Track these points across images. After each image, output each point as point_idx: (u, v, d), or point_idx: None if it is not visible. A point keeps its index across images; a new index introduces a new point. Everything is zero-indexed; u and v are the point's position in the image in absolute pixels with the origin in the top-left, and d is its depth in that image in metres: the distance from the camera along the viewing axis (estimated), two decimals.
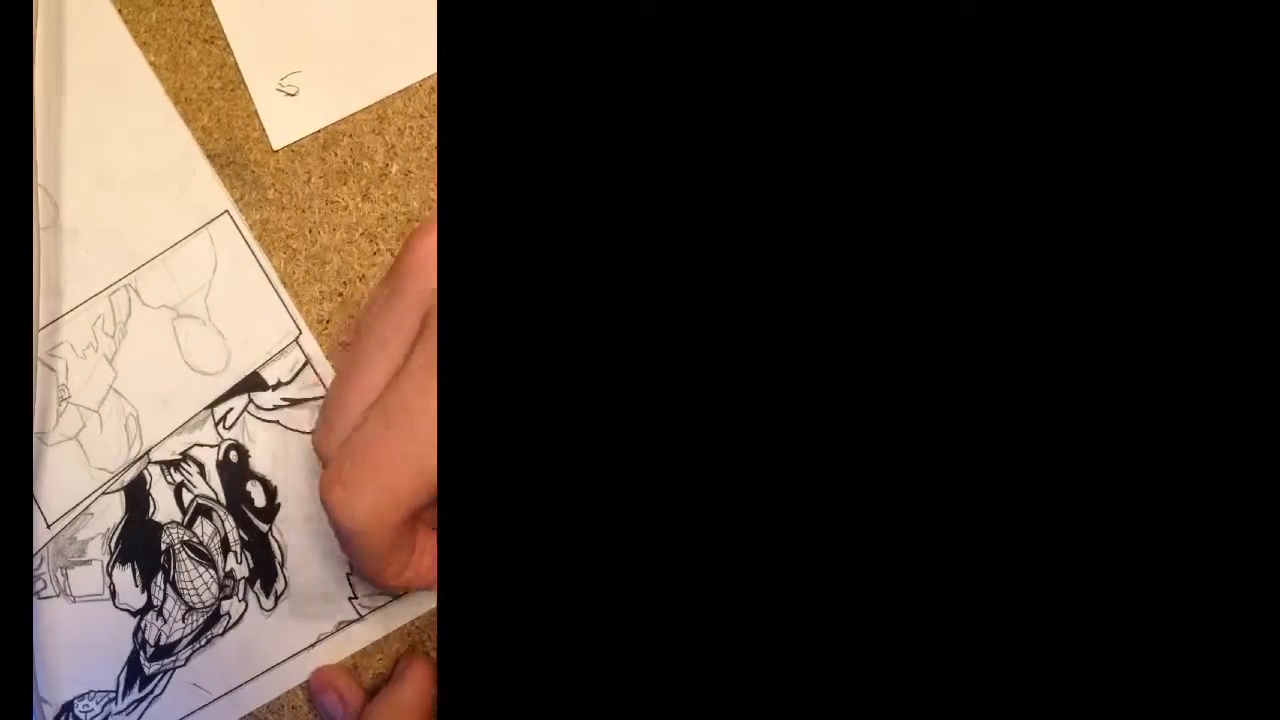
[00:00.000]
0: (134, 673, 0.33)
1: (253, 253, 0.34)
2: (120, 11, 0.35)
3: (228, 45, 0.35)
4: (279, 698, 0.33)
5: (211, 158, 0.34)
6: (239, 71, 0.34)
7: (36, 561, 0.34)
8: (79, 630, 0.34)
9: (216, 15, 0.35)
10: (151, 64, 0.35)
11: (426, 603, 0.33)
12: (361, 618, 0.33)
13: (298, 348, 0.34)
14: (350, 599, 0.33)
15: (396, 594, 0.33)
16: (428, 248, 0.26)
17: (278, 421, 0.33)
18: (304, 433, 0.33)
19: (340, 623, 0.33)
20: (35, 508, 0.34)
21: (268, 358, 0.34)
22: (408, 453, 0.25)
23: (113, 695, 0.33)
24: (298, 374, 0.34)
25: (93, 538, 0.34)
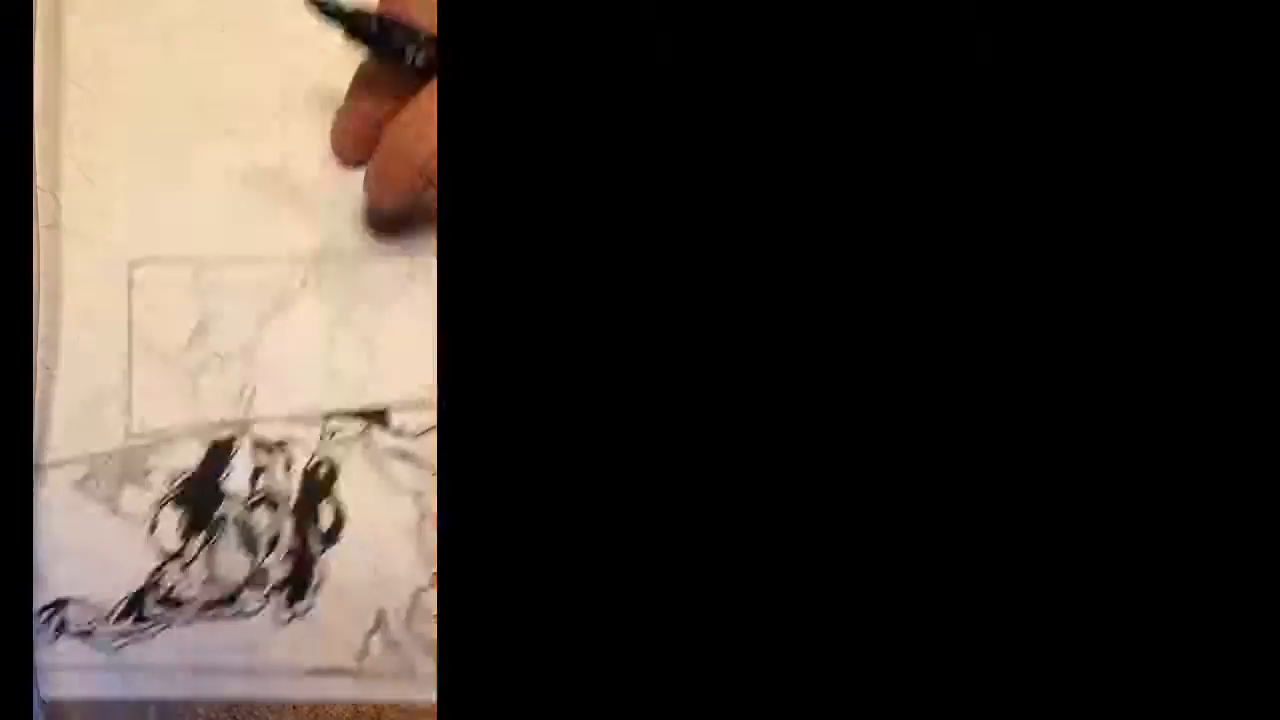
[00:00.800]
0: (134, 606, 0.34)
1: None
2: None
3: None
4: (240, 700, 0.33)
5: None
6: None
7: (105, 458, 0.34)
8: (108, 541, 0.34)
9: None
10: None
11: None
12: (357, 675, 0.33)
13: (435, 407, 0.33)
14: (359, 655, 0.33)
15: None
16: None
17: (381, 464, 0.33)
18: (400, 489, 0.33)
19: (334, 669, 0.33)
20: (129, 413, 0.34)
21: (404, 400, 0.33)
22: None
23: (107, 616, 0.34)
24: (424, 432, 0.33)
25: (160, 467, 0.34)
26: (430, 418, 0.33)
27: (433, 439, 0.33)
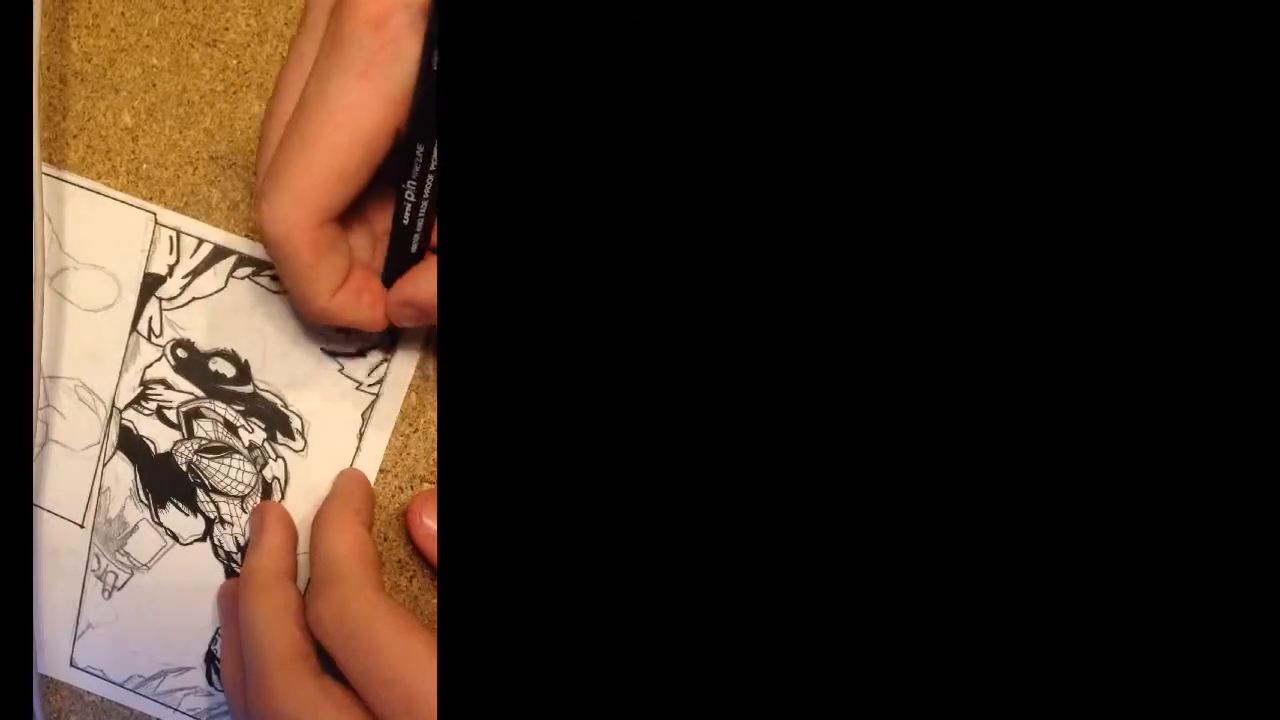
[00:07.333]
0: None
1: (67, 182, 0.34)
2: (123, 14, 0.34)
3: (229, 49, 0.34)
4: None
5: (213, 159, 0.33)
6: (241, 75, 0.34)
7: (95, 561, 0.34)
8: (170, 589, 0.34)
9: (219, 18, 0.34)
10: (154, 66, 0.34)
11: (412, 355, 0.33)
12: (379, 395, 0.33)
13: (162, 228, 0.33)
14: (358, 387, 0.33)
15: (349, 343, 0.32)
16: None
17: (193, 298, 0.33)
18: (219, 292, 0.33)
19: (364, 412, 0.33)
20: (60, 518, 0.34)
21: (145, 255, 0.33)
22: (309, 151, 0.25)
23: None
24: (178, 247, 0.33)
25: (124, 505, 0.34)
26: (167, 232, 0.33)
27: (186, 240, 0.33)
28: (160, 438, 0.34)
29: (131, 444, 0.34)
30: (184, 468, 0.33)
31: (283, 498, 0.33)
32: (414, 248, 0.29)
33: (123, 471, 0.34)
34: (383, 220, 0.29)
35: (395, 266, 0.29)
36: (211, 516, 0.33)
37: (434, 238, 0.29)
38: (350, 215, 0.28)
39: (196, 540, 0.34)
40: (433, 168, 0.27)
